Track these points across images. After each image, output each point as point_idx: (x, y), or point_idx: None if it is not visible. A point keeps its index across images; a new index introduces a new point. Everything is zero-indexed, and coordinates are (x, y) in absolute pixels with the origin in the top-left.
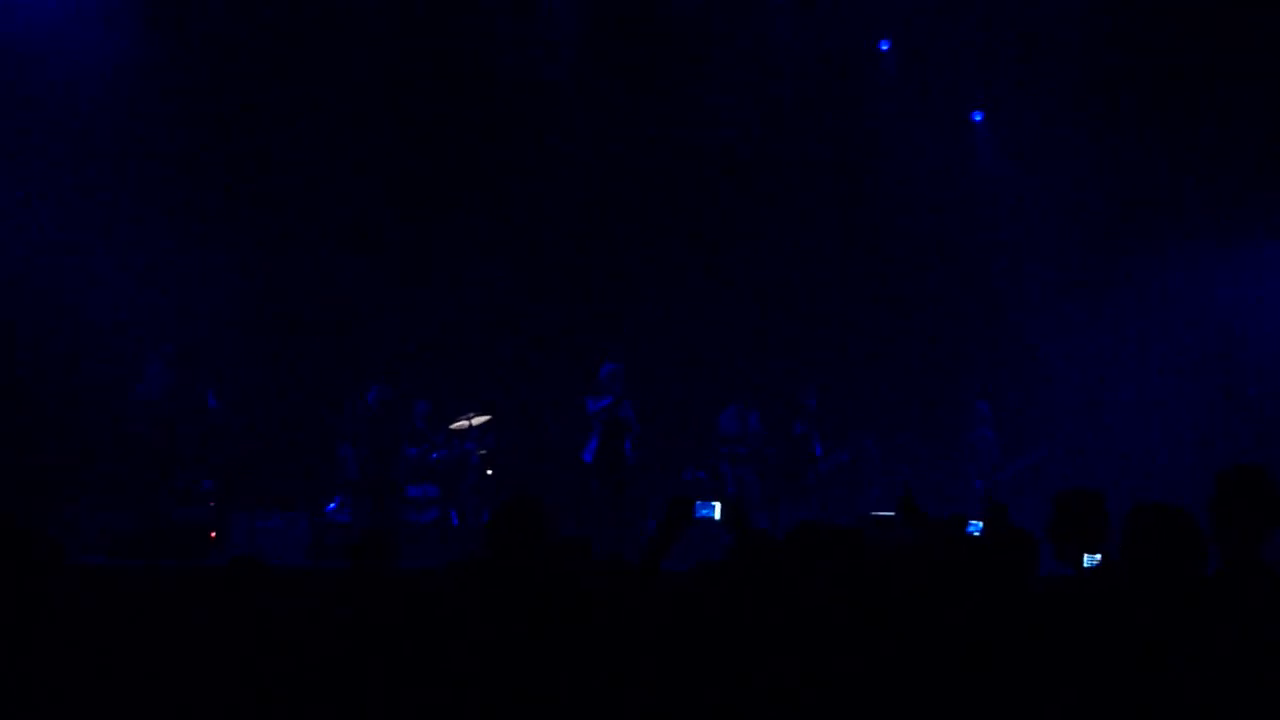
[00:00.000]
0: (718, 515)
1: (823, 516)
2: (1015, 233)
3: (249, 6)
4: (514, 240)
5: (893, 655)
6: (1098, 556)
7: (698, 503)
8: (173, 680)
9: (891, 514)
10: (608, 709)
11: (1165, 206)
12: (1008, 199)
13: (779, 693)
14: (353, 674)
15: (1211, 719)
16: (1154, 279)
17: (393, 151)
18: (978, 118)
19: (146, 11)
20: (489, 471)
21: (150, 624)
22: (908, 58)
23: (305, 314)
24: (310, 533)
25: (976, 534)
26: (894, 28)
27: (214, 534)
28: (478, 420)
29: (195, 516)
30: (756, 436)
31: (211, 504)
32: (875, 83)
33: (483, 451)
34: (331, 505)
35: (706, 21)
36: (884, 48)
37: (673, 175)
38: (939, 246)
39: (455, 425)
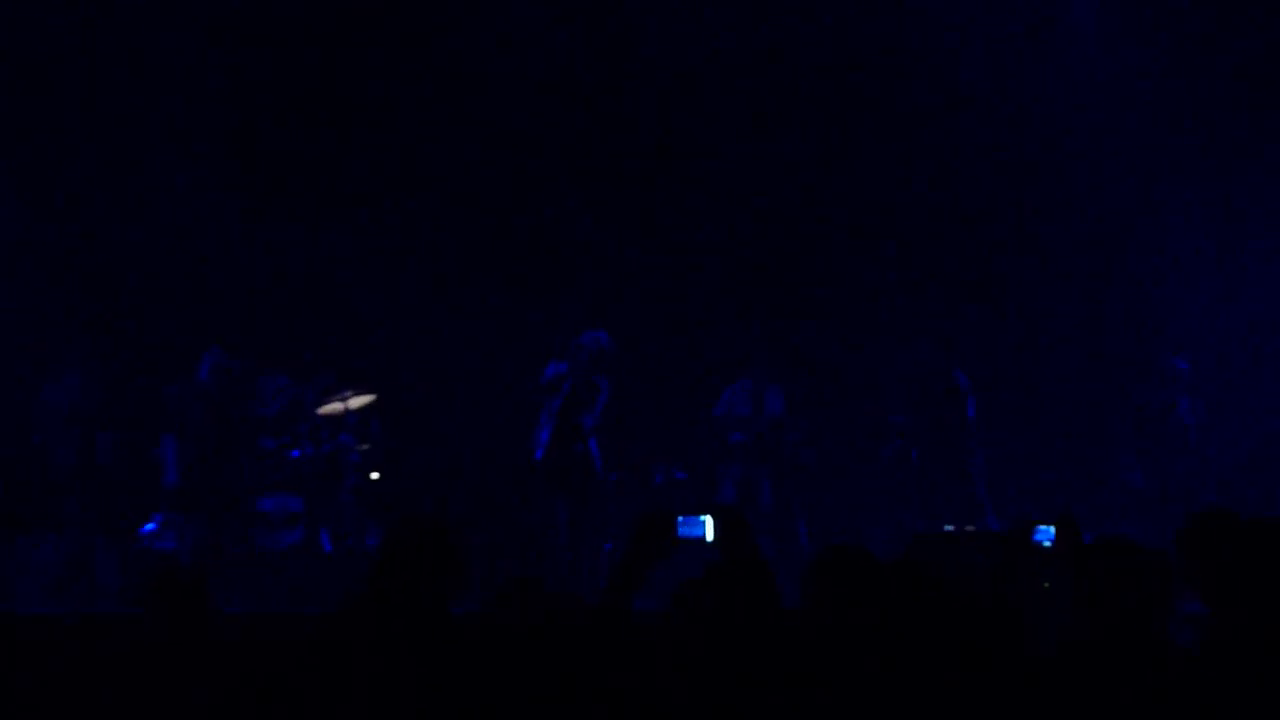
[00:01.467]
0: (709, 534)
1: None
2: (1106, 130)
3: None
4: (418, 149)
5: None
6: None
7: (680, 518)
8: None
9: (953, 529)
10: None
11: None
12: (1098, 87)
13: None
14: None
15: None
16: None
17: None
18: None
19: None
20: (374, 475)
21: None
22: None
23: (109, 259)
24: (120, 565)
25: (1047, 544)
26: None
27: None
28: (357, 402)
29: None
30: (774, 423)
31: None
32: None
33: (365, 447)
34: (149, 525)
35: None
36: None
37: (646, 59)
38: (1011, 149)
39: (326, 409)
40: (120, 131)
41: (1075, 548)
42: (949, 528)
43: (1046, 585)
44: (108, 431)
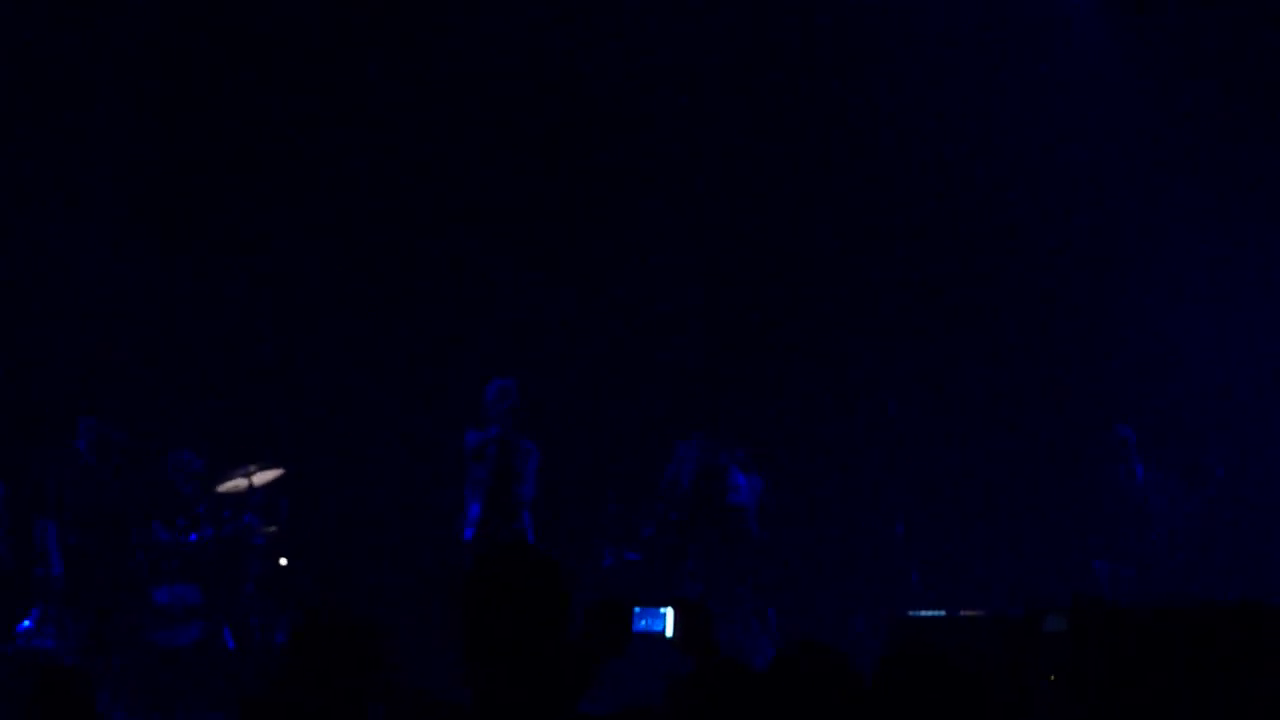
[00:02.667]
0: (669, 629)
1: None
2: (1117, 160)
3: None
4: (328, 200)
5: None
6: None
7: (636, 610)
8: None
9: (942, 613)
10: None
11: None
12: (1107, 107)
13: None
14: None
15: None
16: None
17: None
18: None
19: None
20: (283, 561)
21: None
22: None
23: None
24: None
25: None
26: None
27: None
28: (262, 477)
29: None
30: (733, 495)
31: None
32: None
33: (272, 528)
34: (26, 622)
35: None
36: None
37: (584, 86)
38: (1008, 183)
39: (227, 485)
40: (13, 177)
41: (1086, 632)
42: (928, 613)
43: (1052, 677)
44: None
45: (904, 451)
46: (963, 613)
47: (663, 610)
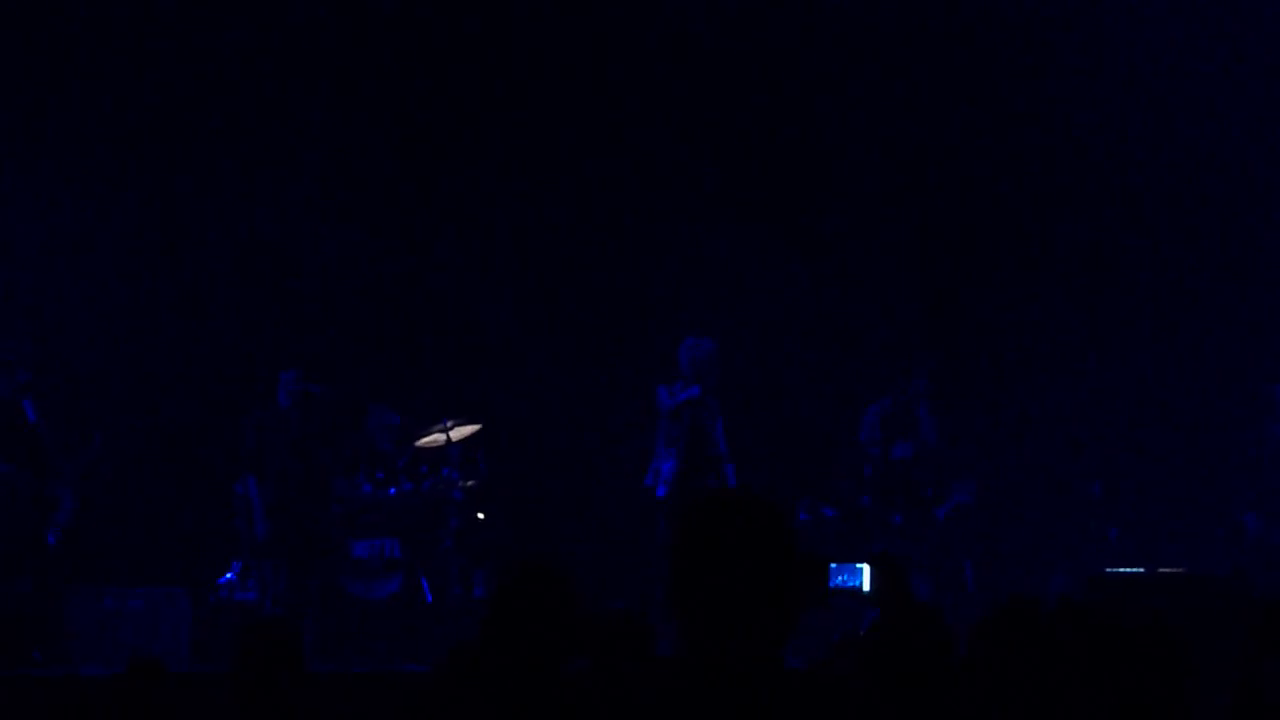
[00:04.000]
0: (866, 584)
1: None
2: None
3: None
4: (523, 157)
5: None
6: None
7: (833, 566)
8: None
9: (1140, 570)
10: None
11: None
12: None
13: None
14: None
15: None
16: None
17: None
18: None
19: None
20: (481, 515)
21: None
22: None
23: (183, 275)
24: (194, 617)
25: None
26: None
27: None
28: (460, 432)
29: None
30: (921, 445)
31: (31, 576)
32: None
33: (470, 483)
34: (228, 574)
35: None
36: None
37: (770, 53)
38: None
39: (425, 440)
40: (219, 141)
41: None
42: (1127, 570)
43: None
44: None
45: (1101, 412)
46: (1161, 570)
47: (860, 566)
